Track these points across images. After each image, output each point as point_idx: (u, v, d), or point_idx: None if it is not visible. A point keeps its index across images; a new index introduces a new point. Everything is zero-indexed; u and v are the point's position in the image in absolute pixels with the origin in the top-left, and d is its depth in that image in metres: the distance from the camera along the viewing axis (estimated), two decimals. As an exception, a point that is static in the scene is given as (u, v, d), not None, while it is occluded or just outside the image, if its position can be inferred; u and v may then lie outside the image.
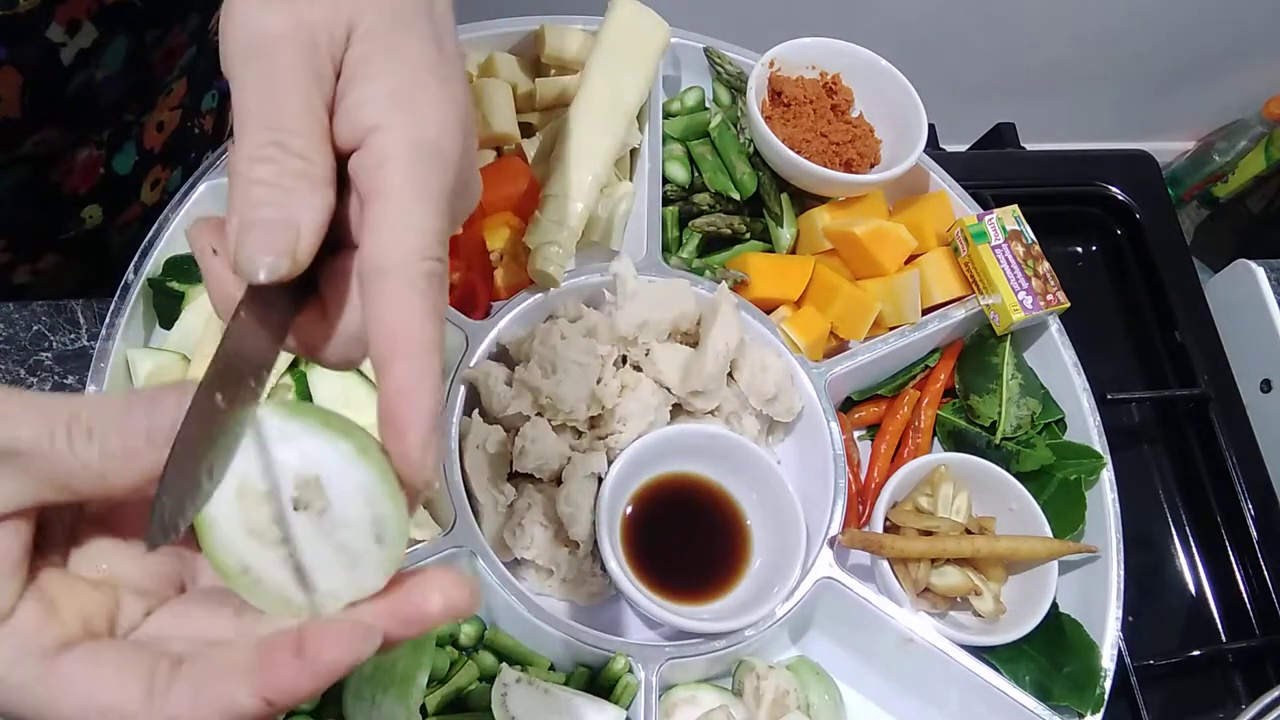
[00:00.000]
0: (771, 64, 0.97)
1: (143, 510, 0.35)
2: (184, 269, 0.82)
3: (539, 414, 0.81)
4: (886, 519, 0.85)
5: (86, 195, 0.84)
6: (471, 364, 0.83)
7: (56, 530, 0.39)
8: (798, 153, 0.93)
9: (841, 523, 0.83)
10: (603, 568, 0.79)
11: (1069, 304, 0.93)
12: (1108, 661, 0.83)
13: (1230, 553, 1.02)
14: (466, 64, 0.95)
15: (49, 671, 0.35)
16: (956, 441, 0.93)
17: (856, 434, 0.94)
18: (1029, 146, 1.36)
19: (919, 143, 0.94)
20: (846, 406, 0.94)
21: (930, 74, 1.05)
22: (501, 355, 0.86)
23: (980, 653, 0.82)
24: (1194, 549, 1.04)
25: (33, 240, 0.86)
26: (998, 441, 0.90)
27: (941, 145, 1.34)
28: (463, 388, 0.82)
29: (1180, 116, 2.35)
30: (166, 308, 0.82)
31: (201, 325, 0.80)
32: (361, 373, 0.81)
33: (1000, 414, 0.90)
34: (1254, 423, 1.07)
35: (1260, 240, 2.27)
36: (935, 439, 0.94)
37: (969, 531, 0.85)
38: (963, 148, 1.42)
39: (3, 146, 0.74)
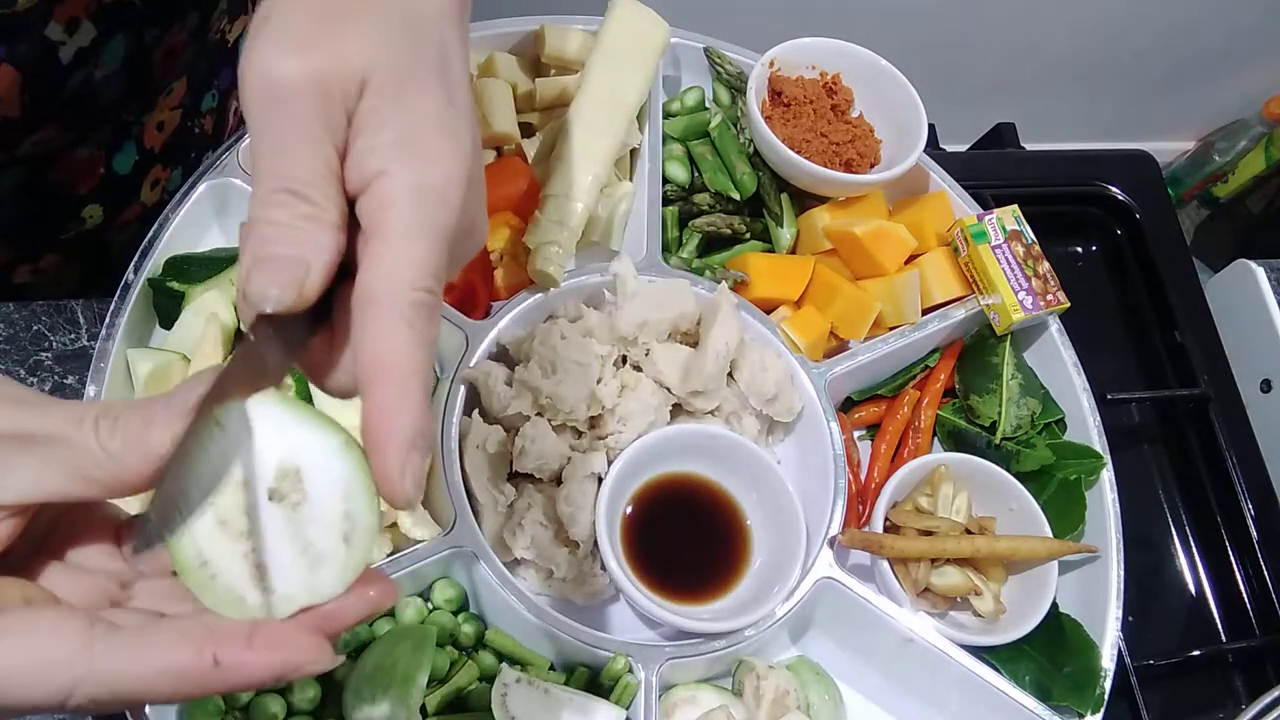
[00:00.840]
0: (771, 64, 0.97)
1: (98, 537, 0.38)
2: (184, 269, 0.81)
3: (539, 414, 0.81)
4: (886, 519, 0.85)
5: (86, 195, 0.84)
6: (471, 364, 0.83)
7: (16, 558, 0.40)
8: (798, 153, 0.93)
9: (841, 523, 0.83)
10: (602, 567, 0.79)
11: (1069, 304, 0.93)
12: (1108, 661, 0.83)
13: (1230, 553, 1.02)
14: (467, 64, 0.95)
15: None
16: (956, 441, 0.93)
17: (856, 434, 0.94)
18: (1029, 146, 1.36)
19: (919, 143, 0.94)
20: (846, 406, 0.94)
21: (930, 74, 1.05)
22: (501, 355, 0.86)
23: (980, 653, 0.82)
24: (1194, 549, 1.04)
25: (33, 240, 0.86)
26: (998, 441, 0.90)
27: (941, 145, 1.34)
28: (463, 388, 0.82)
29: (1180, 116, 2.35)
30: (166, 308, 0.82)
31: (201, 325, 0.80)
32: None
33: (1000, 414, 0.90)
34: (1254, 423, 1.07)
35: (1260, 240, 2.27)
36: (935, 439, 0.94)
37: (969, 531, 0.85)
38: (963, 148, 1.42)
39: (2, 146, 0.74)
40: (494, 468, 0.80)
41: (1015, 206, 0.95)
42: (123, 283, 0.81)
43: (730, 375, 0.87)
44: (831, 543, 0.82)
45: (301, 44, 0.40)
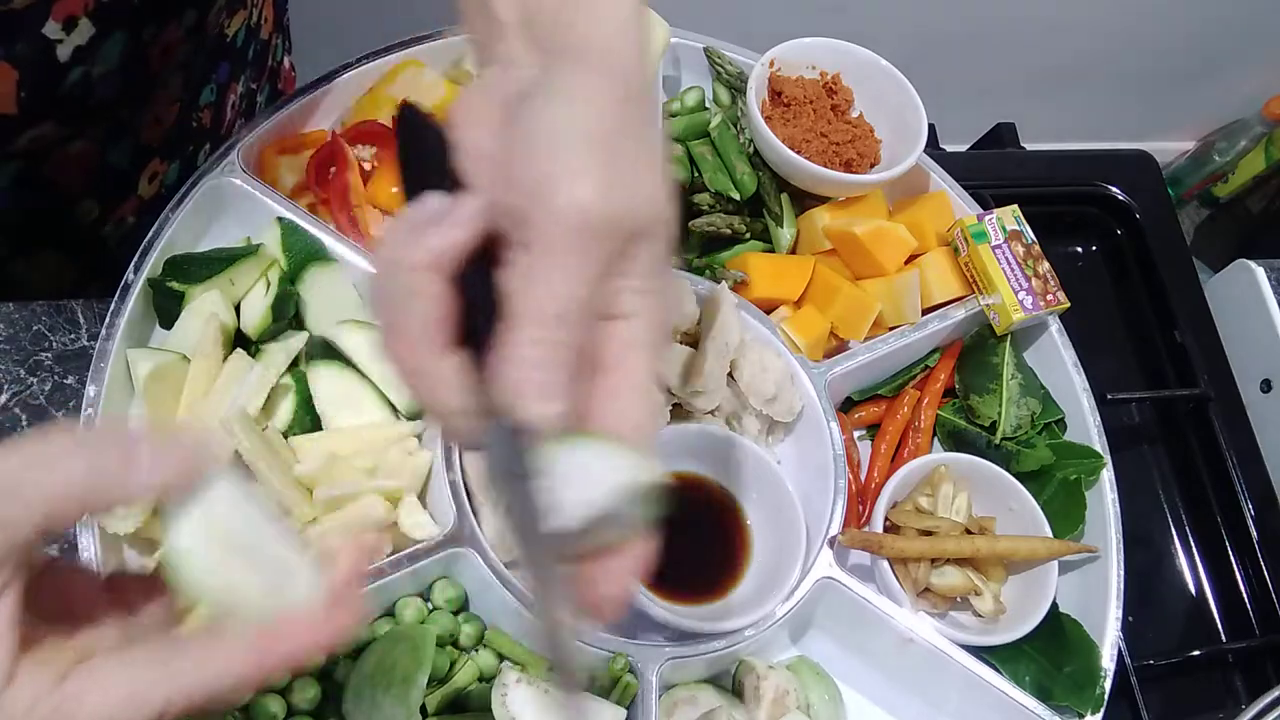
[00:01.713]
0: (771, 64, 0.97)
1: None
2: (184, 269, 0.81)
3: (539, 414, 0.81)
4: (886, 519, 0.85)
5: (82, 190, 0.84)
6: (471, 364, 0.83)
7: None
8: (798, 153, 0.93)
9: (841, 523, 0.83)
10: (603, 568, 0.79)
11: (1069, 304, 0.93)
12: (1108, 661, 0.83)
13: (1230, 553, 1.02)
14: (466, 65, 0.95)
15: None
16: (956, 441, 0.93)
17: (856, 434, 0.94)
18: (1029, 146, 1.36)
19: (919, 143, 0.94)
20: (846, 406, 0.94)
21: (930, 74, 1.05)
22: (501, 355, 0.85)
23: (980, 653, 0.82)
24: (1194, 549, 1.04)
25: (29, 235, 0.85)
26: (998, 441, 0.90)
27: (941, 145, 1.34)
28: (462, 387, 0.82)
29: (1180, 116, 2.35)
30: (166, 308, 0.82)
31: (201, 325, 0.79)
32: (362, 373, 0.80)
33: (1000, 414, 0.90)
34: (1254, 423, 1.07)
35: (1260, 240, 2.27)
36: (935, 439, 0.94)
37: (969, 531, 0.85)
38: (963, 148, 1.42)
39: (-2, 143, 0.74)
40: (494, 468, 0.80)
41: (1015, 206, 0.95)
42: (123, 283, 0.81)
43: (730, 375, 0.87)
44: (831, 543, 0.82)
45: (611, 186, 0.43)
